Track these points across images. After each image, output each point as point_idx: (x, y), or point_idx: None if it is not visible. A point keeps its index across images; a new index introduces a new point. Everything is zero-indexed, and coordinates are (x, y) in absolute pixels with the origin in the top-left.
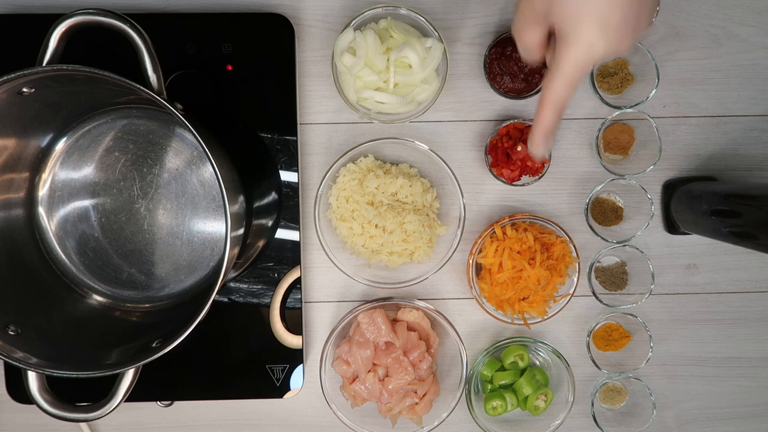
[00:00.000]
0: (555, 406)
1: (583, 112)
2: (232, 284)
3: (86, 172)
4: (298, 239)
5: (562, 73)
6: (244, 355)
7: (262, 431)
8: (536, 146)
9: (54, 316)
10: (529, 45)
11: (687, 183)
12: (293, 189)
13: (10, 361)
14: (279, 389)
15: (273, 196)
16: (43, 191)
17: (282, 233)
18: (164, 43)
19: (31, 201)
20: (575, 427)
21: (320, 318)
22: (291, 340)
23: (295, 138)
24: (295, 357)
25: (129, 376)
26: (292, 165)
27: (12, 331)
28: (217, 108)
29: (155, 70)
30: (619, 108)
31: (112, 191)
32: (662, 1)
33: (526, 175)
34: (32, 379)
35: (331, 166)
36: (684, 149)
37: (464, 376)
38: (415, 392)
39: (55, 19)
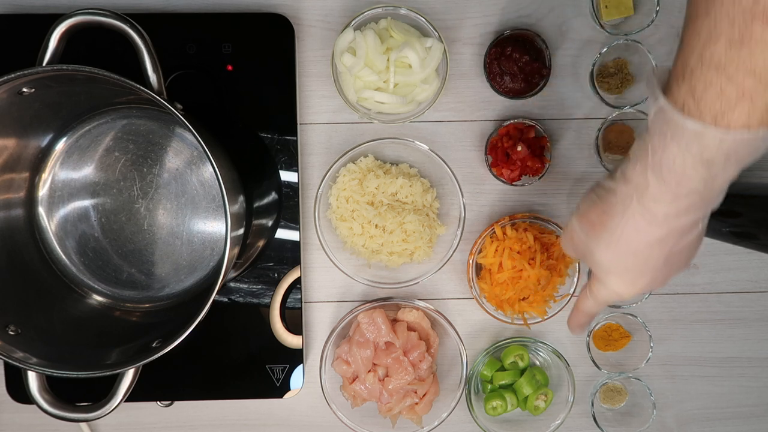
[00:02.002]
0: (555, 406)
1: (583, 112)
2: (232, 284)
3: (86, 172)
4: (298, 239)
5: (594, 299)
6: (244, 355)
7: (262, 431)
8: (573, 332)
9: (54, 316)
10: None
11: None
12: (293, 189)
13: (10, 361)
14: (279, 389)
15: (273, 196)
16: (43, 191)
17: (282, 233)
18: (164, 43)
19: (31, 201)
20: (575, 427)
21: (320, 318)
22: (291, 340)
23: (295, 138)
24: (295, 357)
25: (129, 376)
26: (292, 165)
27: (12, 331)
28: (217, 108)
29: (155, 70)
30: (619, 108)
31: (112, 191)
32: (662, 1)
33: (526, 175)
34: (32, 379)
35: (331, 166)
36: None
37: (464, 376)
38: (415, 392)
39: (55, 19)
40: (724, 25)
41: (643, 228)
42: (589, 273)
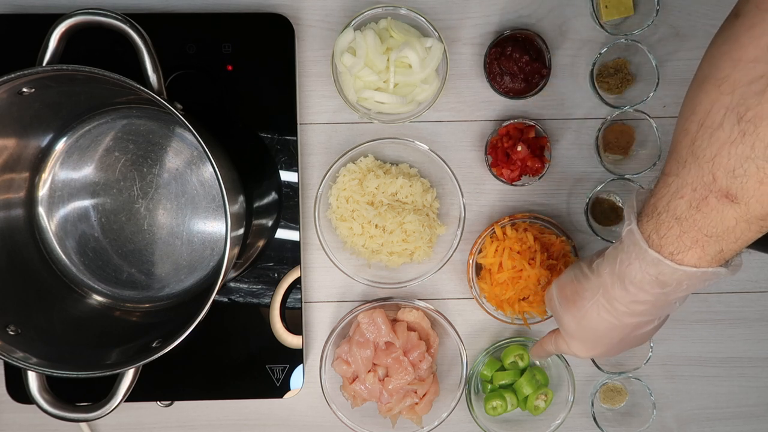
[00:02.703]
0: (555, 406)
1: (583, 112)
2: (232, 284)
3: (86, 172)
4: (298, 239)
5: (555, 347)
6: (244, 355)
7: (262, 431)
8: (532, 359)
9: (54, 316)
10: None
11: None
12: (293, 189)
13: (10, 361)
14: (279, 389)
15: (273, 196)
16: (43, 191)
17: (282, 233)
18: (164, 43)
19: (31, 201)
20: (575, 427)
21: (320, 318)
22: (291, 340)
23: (295, 138)
24: (295, 357)
25: (129, 376)
26: (292, 165)
27: (12, 331)
28: (217, 108)
29: (155, 70)
30: (619, 108)
31: (112, 191)
32: (662, 1)
33: (526, 175)
34: (32, 379)
35: (331, 166)
36: None
37: (464, 376)
38: (415, 392)
39: (55, 19)
40: (687, 189)
41: (604, 316)
42: None
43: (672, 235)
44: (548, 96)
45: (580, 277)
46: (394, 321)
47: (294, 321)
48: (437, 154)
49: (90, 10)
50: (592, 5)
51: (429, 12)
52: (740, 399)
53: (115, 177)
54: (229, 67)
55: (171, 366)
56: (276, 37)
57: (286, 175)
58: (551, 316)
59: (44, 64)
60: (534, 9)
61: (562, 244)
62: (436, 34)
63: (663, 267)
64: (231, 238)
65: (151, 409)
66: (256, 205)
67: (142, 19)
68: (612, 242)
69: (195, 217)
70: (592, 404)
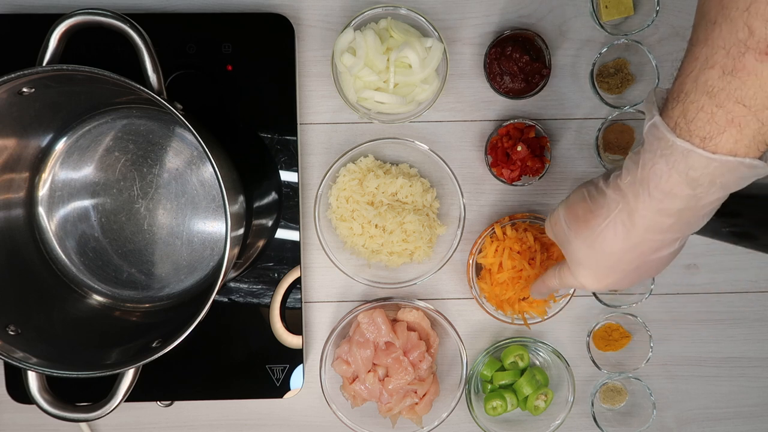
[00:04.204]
0: (555, 406)
1: (583, 112)
2: (232, 284)
3: (86, 172)
4: (298, 239)
5: (560, 281)
6: (244, 355)
7: (262, 431)
8: (532, 296)
9: (54, 316)
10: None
11: None
12: (293, 189)
13: (10, 361)
14: (279, 389)
15: (273, 196)
16: (43, 191)
17: (282, 233)
18: (164, 43)
19: (31, 201)
20: (575, 427)
21: (320, 318)
22: (291, 340)
23: (295, 138)
24: (295, 357)
25: (129, 376)
26: (292, 165)
27: (12, 331)
28: (217, 108)
29: (155, 70)
30: (619, 108)
31: (112, 191)
32: (662, 1)
33: (526, 175)
34: (32, 379)
35: (331, 166)
36: None
37: (464, 376)
38: (415, 392)
39: (55, 19)
40: (720, 54)
41: (622, 235)
42: None
43: (703, 116)
44: (548, 96)
45: (594, 193)
46: (394, 321)
47: (294, 321)
48: (437, 154)
49: (90, 10)
50: (592, 5)
51: (429, 12)
52: (740, 399)
53: (115, 177)
54: (229, 67)
55: (171, 366)
56: (276, 37)
57: (286, 175)
58: (551, 316)
59: (44, 64)
60: (534, 9)
61: None
62: (436, 34)
63: (694, 159)
64: (231, 238)
65: (151, 409)
66: (256, 205)
67: (142, 19)
68: None
69: (195, 217)
70: (592, 404)
